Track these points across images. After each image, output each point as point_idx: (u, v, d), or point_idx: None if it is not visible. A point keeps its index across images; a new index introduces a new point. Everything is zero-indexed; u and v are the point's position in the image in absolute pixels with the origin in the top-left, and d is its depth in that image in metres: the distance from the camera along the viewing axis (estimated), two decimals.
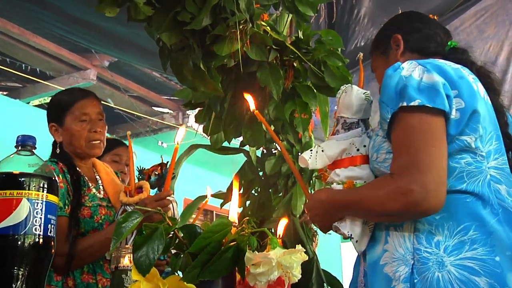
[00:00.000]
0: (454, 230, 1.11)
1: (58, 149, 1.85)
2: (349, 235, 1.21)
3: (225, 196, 2.23)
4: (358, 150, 1.26)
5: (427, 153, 1.09)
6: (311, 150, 1.30)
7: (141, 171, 1.83)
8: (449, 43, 1.35)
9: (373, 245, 1.21)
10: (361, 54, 1.47)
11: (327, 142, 1.30)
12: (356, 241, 1.21)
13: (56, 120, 1.86)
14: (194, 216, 2.22)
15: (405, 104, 1.11)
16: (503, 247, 1.08)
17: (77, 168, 1.82)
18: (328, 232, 1.36)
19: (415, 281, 1.09)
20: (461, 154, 1.14)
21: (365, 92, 1.31)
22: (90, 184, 1.83)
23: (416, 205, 1.07)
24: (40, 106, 5.72)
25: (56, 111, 1.87)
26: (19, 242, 0.98)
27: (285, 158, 1.42)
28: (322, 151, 1.28)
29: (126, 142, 2.83)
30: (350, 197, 1.20)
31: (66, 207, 1.70)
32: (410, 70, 1.15)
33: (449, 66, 1.18)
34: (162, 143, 6.11)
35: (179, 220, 1.36)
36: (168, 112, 6.37)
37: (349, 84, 1.33)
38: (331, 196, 1.24)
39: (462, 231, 1.11)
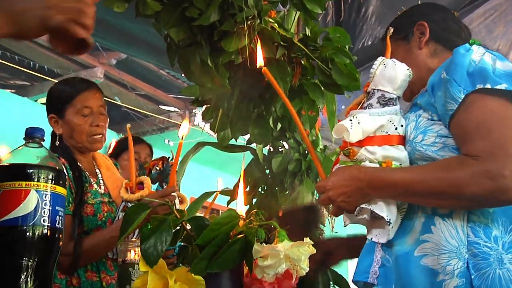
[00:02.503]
0: (508, 226, 1.08)
1: (58, 141, 1.79)
2: (388, 220, 1.11)
3: (231, 194, 2.23)
4: (396, 129, 1.17)
5: None
6: (350, 120, 1.17)
7: (142, 166, 1.81)
8: (471, 41, 1.28)
9: (404, 234, 1.14)
10: (391, 29, 1.35)
11: (362, 115, 1.18)
12: (392, 228, 1.13)
13: (56, 111, 1.79)
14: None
15: (488, 86, 1.07)
16: None
17: (78, 163, 1.77)
18: (334, 230, 1.30)
19: (472, 277, 1.04)
20: None
21: (409, 69, 1.23)
22: (92, 180, 1.79)
23: (503, 192, 1.01)
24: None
25: (57, 103, 1.79)
26: (28, 233, 0.98)
27: (296, 123, 1.31)
28: (359, 123, 1.16)
29: (147, 140, 2.85)
30: (406, 175, 1.11)
31: (70, 205, 1.66)
32: (480, 54, 1.11)
33: None
34: (168, 141, 6.12)
35: None
36: (175, 111, 6.38)
37: (385, 58, 1.24)
38: (371, 173, 1.12)
39: None
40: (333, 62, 1.89)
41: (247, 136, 2.15)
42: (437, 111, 1.15)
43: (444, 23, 1.32)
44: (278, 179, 2.17)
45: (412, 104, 1.27)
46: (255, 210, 1.02)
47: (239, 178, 1.27)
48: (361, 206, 1.14)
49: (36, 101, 5.74)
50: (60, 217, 1.04)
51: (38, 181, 1.01)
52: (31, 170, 1.01)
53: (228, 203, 2.21)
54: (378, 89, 1.21)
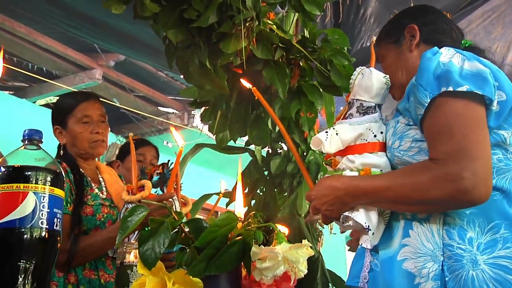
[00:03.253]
0: (485, 227, 1.08)
1: (62, 151, 1.89)
2: (367, 227, 1.14)
3: (230, 195, 2.22)
4: (375, 136, 1.19)
5: (475, 141, 1.04)
6: (326, 132, 1.21)
7: (143, 171, 1.83)
8: (463, 41, 1.31)
9: (388, 239, 1.15)
10: (374, 37, 1.40)
11: (341, 126, 1.22)
12: (373, 233, 1.15)
13: (59, 123, 1.91)
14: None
15: (450, 89, 1.07)
16: None
17: (80, 169, 1.85)
18: (333, 232, 1.33)
19: (446, 279, 1.04)
20: (494, 149, 1.10)
21: (385, 76, 1.25)
22: (93, 185, 1.86)
23: (465, 194, 1.02)
24: (46, 105, 5.74)
25: (59, 114, 1.91)
26: (26, 235, 0.98)
27: (284, 136, 1.35)
28: (337, 134, 1.20)
29: (151, 140, 2.84)
30: (375, 183, 1.13)
31: (69, 205, 1.72)
32: (449, 56, 1.12)
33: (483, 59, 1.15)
34: (167, 143, 6.12)
35: None
36: (173, 112, 6.38)
37: (365, 67, 1.27)
38: (347, 182, 1.16)
39: (493, 228, 1.07)
40: (331, 63, 1.89)
41: (246, 138, 2.15)
42: (412, 116, 1.16)
43: (435, 25, 1.32)
44: (277, 180, 2.16)
45: (395, 110, 1.28)
46: (253, 212, 1.02)
47: (237, 180, 1.27)
48: (344, 214, 1.17)
49: (34, 102, 5.74)
50: (58, 219, 1.04)
51: (36, 183, 1.00)
52: (29, 172, 1.01)
53: (227, 205, 2.21)
54: (356, 99, 1.25)
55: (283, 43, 1.88)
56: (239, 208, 1.15)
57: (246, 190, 2.19)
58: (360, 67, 1.28)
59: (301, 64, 1.96)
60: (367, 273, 1.19)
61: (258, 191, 2.20)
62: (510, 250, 1.05)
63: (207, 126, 2.29)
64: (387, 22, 1.43)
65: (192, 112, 6.13)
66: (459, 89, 1.06)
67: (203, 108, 2.22)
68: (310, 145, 1.25)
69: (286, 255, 0.97)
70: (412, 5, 1.50)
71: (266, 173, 2.21)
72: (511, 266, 1.03)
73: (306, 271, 0.99)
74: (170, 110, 6.35)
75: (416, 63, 1.27)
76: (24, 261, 0.97)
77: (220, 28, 1.73)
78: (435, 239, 1.08)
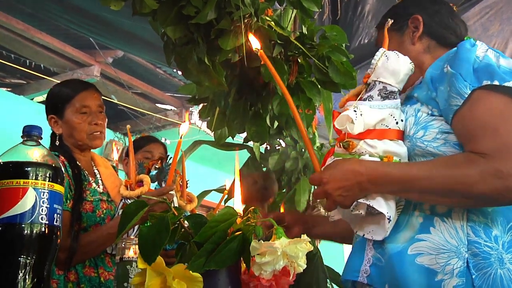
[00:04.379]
0: (506, 226, 1.07)
1: (58, 141, 1.83)
2: (388, 217, 1.07)
3: (228, 192, 2.23)
4: (397, 123, 1.13)
5: None
6: (355, 111, 1.11)
7: (141, 165, 1.83)
8: (466, 38, 1.26)
9: (397, 232, 1.10)
10: (390, 21, 1.30)
11: (363, 107, 1.13)
12: (391, 224, 1.09)
13: (55, 112, 1.84)
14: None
15: (496, 82, 1.04)
16: None
17: (78, 162, 1.80)
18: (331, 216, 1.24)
19: (473, 276, 1.02)
20: None
21: (411, 62, 1.19)
22: (90, 178, 1.82)
23: (511, 191, 1.00)
24: (44, 102, 5.73)
25: (56, 103, 1.85)
26: (26, 231, 0.98)
27: (287, 100, 1.24)
28: (361, 115, 1.11)
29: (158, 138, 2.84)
30: (410, 171, 1.07)
31: (68, 201, 1.69)
32: (483, 50, 1.09)
33: None
34: (165, 139, 6.11)
35: None
36: (171, 109, 6.38)
37: (386, 50, 1.20)
38: (373, 167, 1.08)
39: None
40: (329, 60, 1.89)
41: (244, 134, 2.15)
42: (438, 106, 1.12)
43: (440, 18, 1.28)
44: (275, 177, 2.17)
45: (408, 96, 1.24)
46: (253, 208, 1.03)
47: (235, 176, 1.28)
48: (358, 201, 1.09)
49: (32, 99, 5.72)
50: (58, 215, 1.04)
51: (36, 179, 1.01)
52: (28, 168, 1.01)
53: (226, 201, 2.21)
54: (379, 81, 1.16)
55: (281, 39, 1.88)
56: (237, 204, 1.15)
57: None
58: (382, 48, 1.21)
59: (299, 60, 1.96)
60: (368, 267, 1.14)
61: None
62: None
63: (206, 123, 2.30)
64: (393, 6, 1.38)
65: (191, 109, 6.13)
66: (506, 84, 1.04)
67: (201, 105, 2.22)
68: (335, 123, 1.14)
69: (286, 250, 0.97)
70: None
71: (264, 169, 2.21)
72: None
73: (305, 266, 1.00)
74: (168, 107, 6.35)
75: (418, 55, 1.26)
76: (24, 256, 0.98)
77: (218, 24, 1.73)
78: (459, 235, 1.06)
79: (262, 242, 0.97)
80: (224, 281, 0.99)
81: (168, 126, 6.34)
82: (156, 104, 6.31)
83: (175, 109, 6.34)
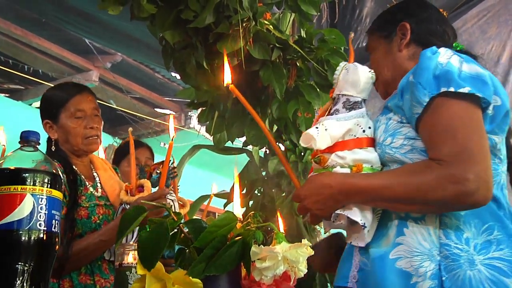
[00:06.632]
0: (480, 228, 1.09)
1: (53, 146, 1.78)
2: (362, 224, 1.11)
3: (228, 196, 2.22)
4: (364, 131, 1.17)
5: (478, 144, 1.05)
6: (316, 128, 1.17)
7: (142, 169, 1.81)
8: (454, 44, 1.30)
9: (380, 237, 1.13)
10: (352, 34, 1.40)
11: (329, 121, 1.18)
12: (368, 231, 1.13)
13: (50, 117, 1.79)
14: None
15: (452, 89, 1.06)
16: None
17: (74, 167, 1.76)
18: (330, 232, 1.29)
19: (443, 278, 1.04)
20: None
21: (371, 71, 1.24)
22: (87, 183, 1.77)
23: (468, 196, 1.02)
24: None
25: (50, 108, 1.79)
26: (24, 238, 0.97)
27: (267, 135, 1.31)
28: (326, 130, 1.16)
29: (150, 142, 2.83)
30: (374, 181, 1.10)
31: (62, 208, 1.64)
32: (447, 56, 1.11)
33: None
34: (164, 144, 6.11)
35: None
36: (170, 114, 6.38)
37: (348, 62, 1.25)
38: (341, 179, 1.13)
39: (487, 230, 1.08)
40: (328, 63, 1.89)
41: (243, 138, 2.14)
42: (405, 114, 1.15)
43: (428, 25, 1.29)
44: (275, 181, 2.16)
45: (384, 106, 1.26)
46: (253, 212, 1.02)
47: (234, 181, 1.27)
48: (336, 212, 1.14)
49: (30, 105, 5.72)
50: (56, 221, 1.03)
51: (33, 185, 1.00)
52: (26, 174, 1.00)
53: (225, 205, 2.21)
54: (342, 94, 1.22)
55: (280, 43, 1.88)
56: (237, 209, 1.14)
57: (244, 191, 2.19)
58: (343, 62, 1.26)
59: (298, 64, 1.96)
60: (356, 273, 1.16)
61: (256, 191, 2.20)
62: (503, 252, 1.06)
63: (205, 127, 2.29)
64: (383, 11, 1.40)
65: (189, 113, 6.13)
66: (461, 90, 1.06)
67: (200, 109, 2.22)
68: (300, 142, 1.21)
69: (286, 254, 0.96)
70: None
71: (264, 173, 2.21)
72: (504, 268, 1.04)
73: (306, 270, 0.99)
74: (167, 111, 6.35)
75: (403, 62, 1.27)
76: (22, 263, 0.97)
77: (217, 28, 1.74)
78: (431, 238, 1.08)
79: (263, 247, 0.97)
80: (225, 286, 0.98)
81: (167, 131, 6.33)
82: (155, 109, 6.31)
83: (174, 113, 6.34)
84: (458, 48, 1.28)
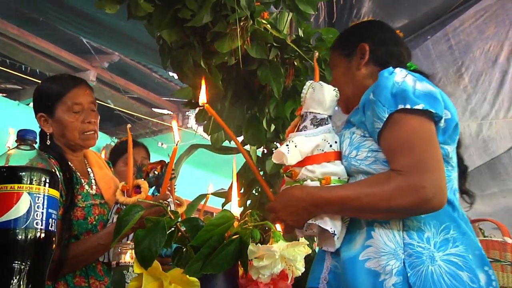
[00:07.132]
0: (439, 228, 1.20)
1: (48, 140, 1.71)
2: (332, 232, 1.22)
3: (226, 196, 2.22)
4: (331, 146, 1.27)
5: (433, 155, 1.17)
6: (287, 145, 1.27)
7: (139, 168, 1.80)
8: (408, 64, 1.40)
9: (349, 241, 1.23)
10: (317, 53, 1.53)
11: (298, 138, 1.28)
12: (337, 238, 1.23)
13: (45, 110, 1.72)
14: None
15: (408, 106, 1.17)
16: (473, 247, 1.20)
17: (69, 163, 1.69)
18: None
19: (408, 274, 1.14)
20: None
21: (335, 89, 1.33)
22: (83, 181, 1.71)
23: (426, 202, 1.14)
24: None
25: (46, 101, 1.72)
26: (20, 237, 0.97)
27: (243, 155, 1.41)
28: (296, 146, 1.26)
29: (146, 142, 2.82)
30: (341, 193, 1.21)
31: (59, 209, 1.61)
32: (402, 76, 1.22)
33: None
34: (162, 144, 6.11)
35: None
36: (168, 114, 6.37)
37: (313, 81, 1.35)
38: (311, 193, 1.23)
39: (445, 229, 1.20)
40: (326, 62, 1.89)
41: (241, 138, 2.14)
42: (367, 129, 1.25)
43: (386, 47, 1.40)
44: (272, 181, 2.16)
45: (346, 121, 1.37)
46: (250, 210, 1.02)
47: (233, 179, 1.27)
48: (308, 222, 1.24)
49: (28, 104, 5.71)
50: (53, 220, 1.03)
51: (30, 183, 0.99)
52: (23, 173, 1.00)
53: (223, 205, 2.20)
54: (310, 112, 1.31)
55: (278, 42, 1.88)
56: (234, 207, 1.14)
57: (242, 190, 2.19)
58: (309, 81, 1.36)
59: (295, 63, 1.96)
60: (327, 275, 1.27)
61: (253, 191, 2.20)
62: (458, 249, 1.18)
63: (202, 127, 2.29)
64: (345, 30, 1.52)
65: (187, 113, 6.13)
66: (416, 107, 1.17)
67: (197, 109, 2.22)
68: (272, 159, 1.30)
69: (283, 253, 0.96)
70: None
71: (261, 173, 2.20)
72: (459, 263, 1.16)
73: (304, 269, 0.99)
74: (164, 111, 6.34)
75: (362, 80, 1.39)
76: (19, 262, 0.96)
77: (214, 27, 1.73)
78: (396, 239, 1.18)
79: (260, 245, 0.96)
80: (222, 285, 0.98)
81: (164, 131, 6.34)
82: (153, 109, 6.31)
83: (172, 113, 6.34)
84: (411, 68, 1.39)
